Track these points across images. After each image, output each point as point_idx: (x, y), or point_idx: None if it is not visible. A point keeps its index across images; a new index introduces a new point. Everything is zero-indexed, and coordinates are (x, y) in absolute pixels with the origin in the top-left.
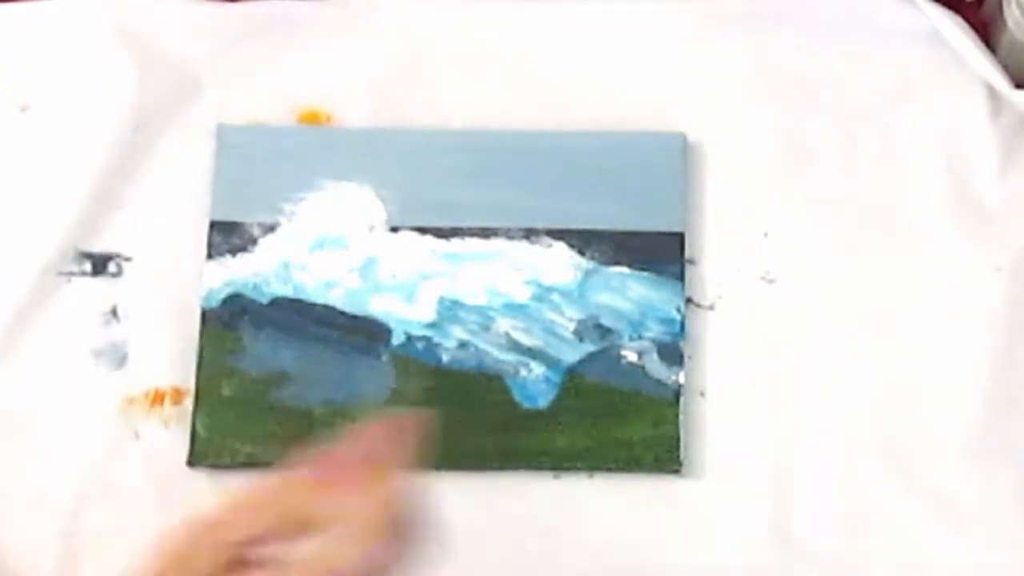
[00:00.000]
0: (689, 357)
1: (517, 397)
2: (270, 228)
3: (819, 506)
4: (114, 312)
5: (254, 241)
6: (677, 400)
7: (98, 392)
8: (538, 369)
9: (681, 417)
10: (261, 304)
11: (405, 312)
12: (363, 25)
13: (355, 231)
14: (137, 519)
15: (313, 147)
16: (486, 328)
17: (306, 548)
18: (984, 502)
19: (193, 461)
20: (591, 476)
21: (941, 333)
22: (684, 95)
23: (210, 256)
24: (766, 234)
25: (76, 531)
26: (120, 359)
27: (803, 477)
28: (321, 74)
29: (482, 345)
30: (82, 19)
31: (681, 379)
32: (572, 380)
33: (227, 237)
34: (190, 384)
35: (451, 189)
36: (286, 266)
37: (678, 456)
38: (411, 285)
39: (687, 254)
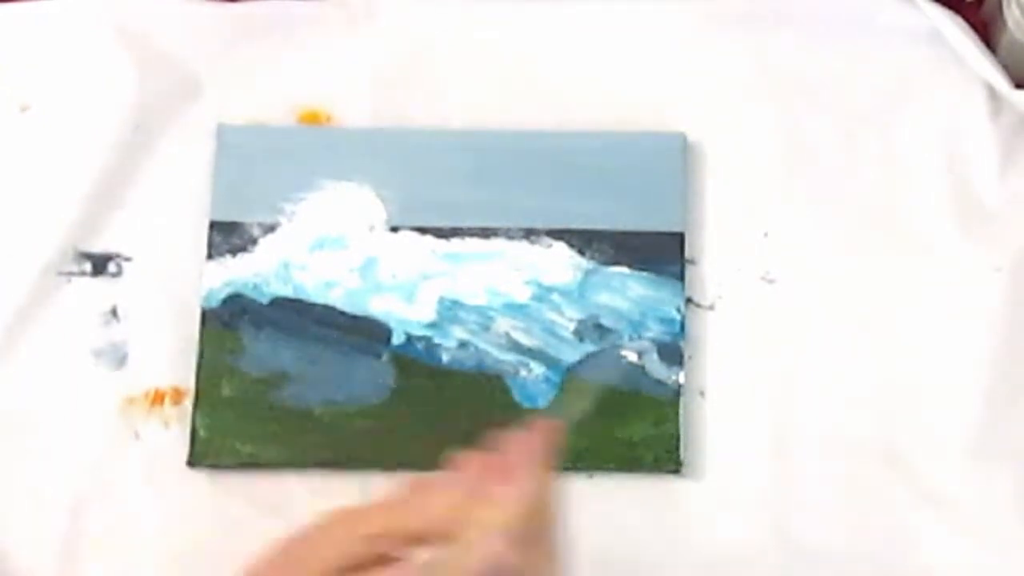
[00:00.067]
0: (689, 357)
1: (517, 397)
2: (270, 228)
3: (819, 506)
4: (114, 312)
5: (254, 241)
6: (677, 400)
7: (98, 392)
8: (538, 369)
9: (681, 417)
10: (261, 304)
11: (405, 312)
12: (363, 25)
13: (355, 231)
14: (137, 519)
15: (313, 147)
16: (486, 328)
17: (442, 551)
18: (984, 502)
19: (193, 461)
20: (591, 476)
21: (941, 333)
22: (684, 95)
23: (210, 256)
24: (766, 234)
25: (76, 531)
26: (120, 359)
27: (803, 477)
28: (321, 74)
29: (482, 345)
30: (82, 19)
31: (681, 379)
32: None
33: (227, 237)
34: (190, 384)
35: (451, 189)
36: (286, 266)
37: (678, 456)
38: (411, 285)
39: (687, 254)
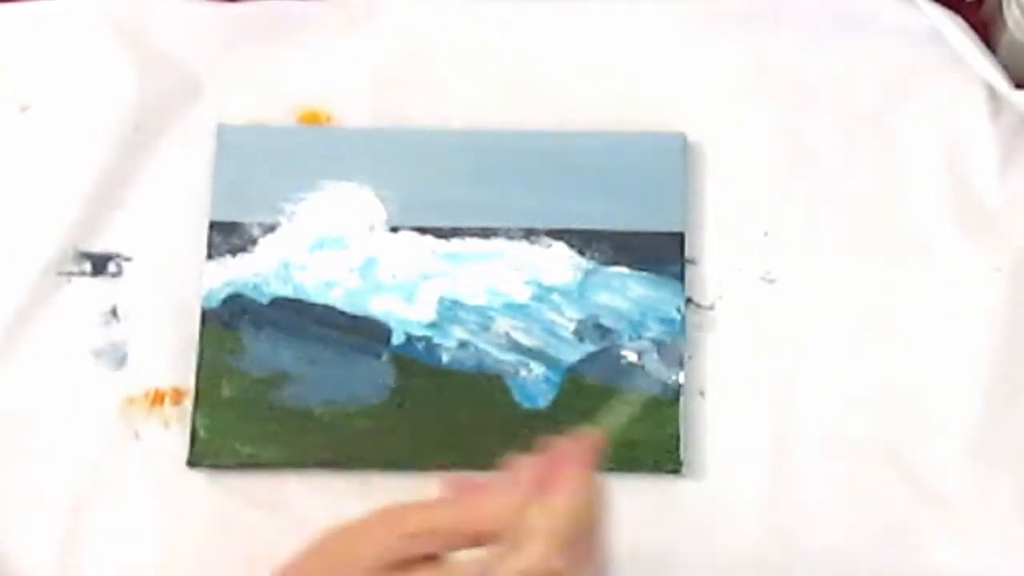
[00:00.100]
0: (689, 357)
1: (517, 397)
2: (270, 228)
3: (819, 506)
4: (114, 312)
5: (254, 241)
6: (677, 400)
7: (98, 392)
8: (538, 369)
9: (681, 417)
10: (261, 304)
11: (405, 312)
12: (363, 25)
13: (355, 231)
14: (137, 519)
15: (313, 147)
16: (486, 328)
17: (490, 553)
18: (984, 502)
19: (193, 461)
20: None
21: (941, 333)
22: (684, 95)
23: (210, 256)
24: (766, 234)
25: (76, 531)
26: (120, 359)
27: (803, 477)
28: (321, 74)
29: (482, 345)
30: (82, 19)
31: (681, 379)
32: (572, 380)
33: (227, 237)
34: (190, 384)
35: (451, 189)
36: (286, 266)
37: (678, 456)
38: (411, 285)
39: (687, 254)
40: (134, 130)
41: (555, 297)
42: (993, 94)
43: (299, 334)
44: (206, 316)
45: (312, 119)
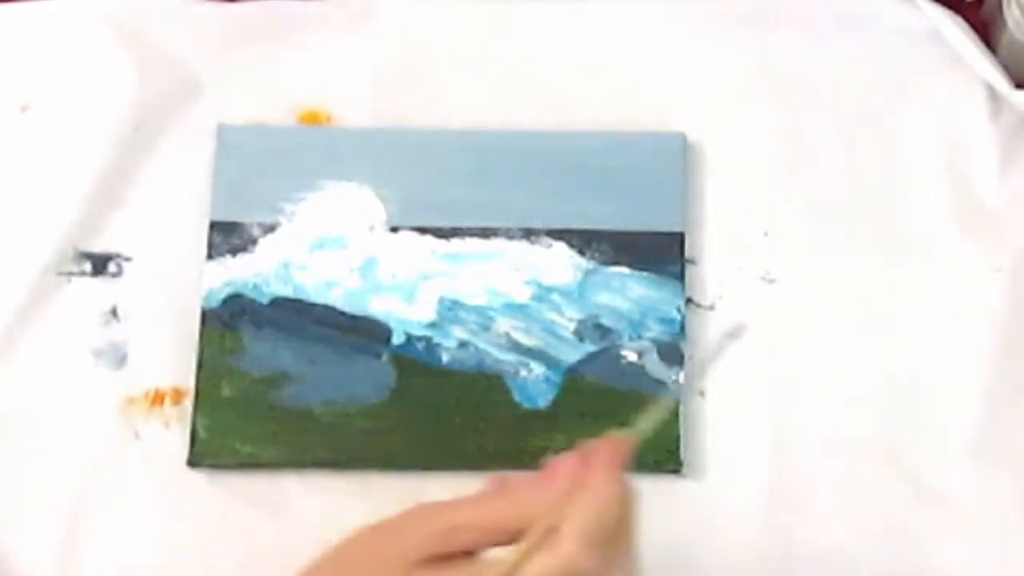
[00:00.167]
0: (689, 357)
1: (517, 397)
2: (270, 228)
3: (819, 506)
4: (114, 312)
5: (254, 241)
6: (677, 400)
7: (98, 392)
8: (538, 369)
9: (681, 417)
10: (261, 304)
11: (405, 312)
12: (363, 25)
13: (355, 231)
14: (137, 519)
15: (313, 147)
16: (486, 328)
17: (521, 551)
18: (984, 502)
19: (193, 461)
20: None
21: (941, 333)
22: (684, 95)
23: (210, 256)
24: (766, 234)
25: (76, 531)
26: (120, 359)
27: (803, 477)
28: (321, 74)
29: (482, 345)
30: (82, 19)
31: (681, 379)
32: (572, 380)
33: (227, 237)
34: (190, 384)
35: (451, 189)
36: (286, 266)
37: (678, 456)
38: (411, 285)
39: (687, 254)
40: (134, 130)
41: (555, 297)
42: (993, 94)
43: (299, 334)
44: (206, 316)
45: (312, 119)
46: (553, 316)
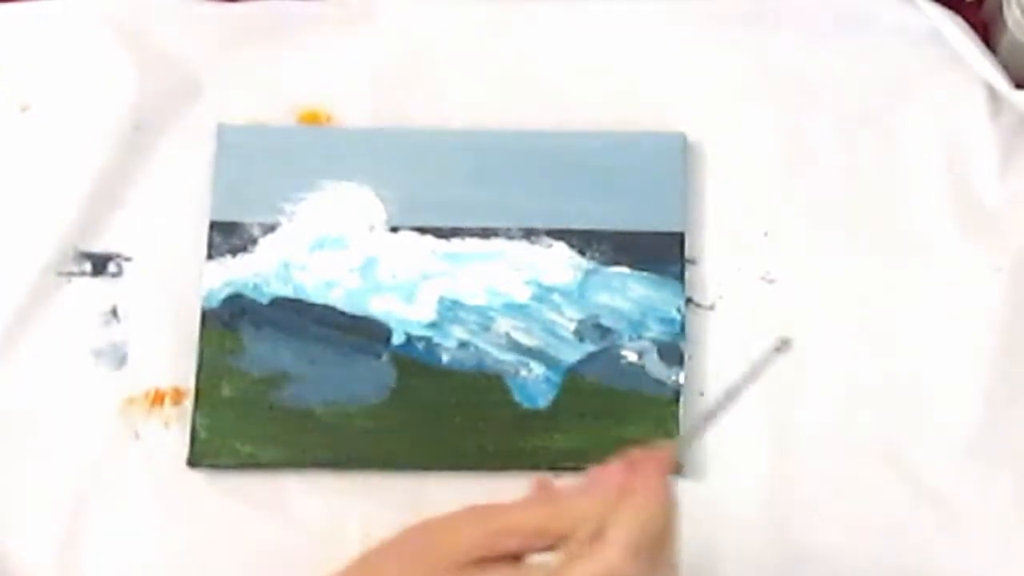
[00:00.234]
0: (689, 357)
1: (517, 397)
2: (270, 228)
3: (819, 506)
4: (114, 312)
5: (254, 241)
6: (677, 400)
7: (98, 392)
8: (538, 369)
9: (681, 417)
10: (261, 304)
11: (405, 312)
12: (363, 25)
13: (355, 231)
14: (137, 519)
15: (313, 147)
16: (486, 328)
17: (567, 556)
18: (984, 502)
19: (193, 461)
20: None
21: (941, 333)
22: (684, 95)
23: (210, 256)
24: (766, 234)
25: (76, 531)
26: (120, 359)
27: (803, 477)
28: (321, 74)
29: (482, 345)
30: (82, 19)
31: (681, 379)
32: (572, 380)
33: (227, 237)
34: (190, 384)
35: (451, 189)
36: (286, 266)
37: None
38: (411, 285)
39: (687, 254)
40: (134, 130)
41: (555, 297)
42: (993, 94)
43: (299, 334)
44: (206, 316)
45: (312, 119)
46: (553, 316)
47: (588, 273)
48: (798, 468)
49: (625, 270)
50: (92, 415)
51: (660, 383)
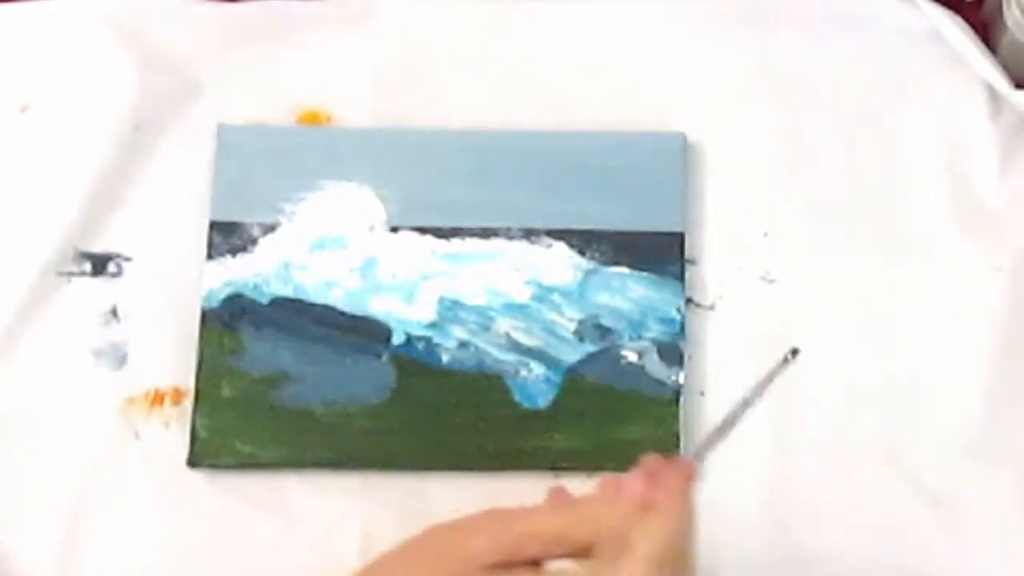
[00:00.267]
0: (689, 357)
1: (517, 397)
2: (270, 228)
3: (819, 506)
4: (114, 312)
5: (254, 241)
6: (677, 400)
7: (98, 392)
8: (538, 369)
9: (681, 417)
10: (261, 304)
11: (405, 312)
12: (363, 25)
13: (355, 231)
14: (137, 519)
15: (313, 147)
16: (486, 328)
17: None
18: (984, 502)
19: (193, 461)
20: (591, 476)
21: (941, 333)
22: (684, 95)
23: (210, 256)
24: (766, 234)
25: (76, 531)
26: (120, 359)
27: (803, 477)
28: (321, 74)
29: (482, 345)
30: (82, 19)
31: (681, 379)
32: (572, 380)
33: (227, 237)
34: (190, 384)
35: (451, 189)
36: (286, 266)
37: (678, 456)
38: (411, 285)
39: (687, 254)
40: (134, 130)
41: (555, 297)
42: (993, 94)
43: (299, 334)
44: (206, 316)
45: (312, 119)
46: (553, 316)
47: (588, 273)
48: (798, 468)
49: (625, 270)
50: (92, 415)
51: (660, 383)
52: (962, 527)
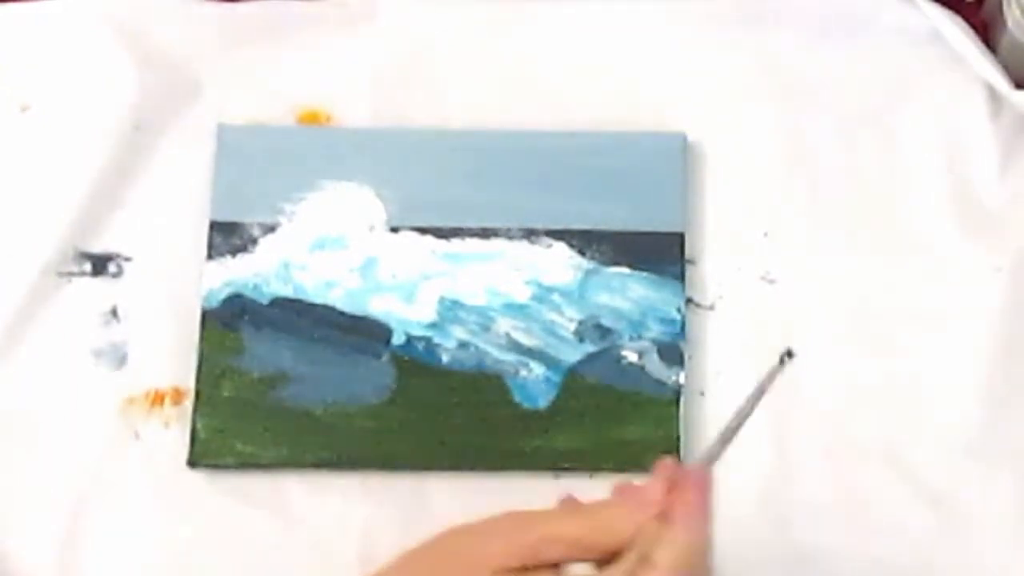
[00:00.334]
0: (689, 357)
1: (517, 397)
2: (270, 228)
3: (819, 506)
4: (114, 312)
5: (254, 241)
6: (677, 400)
7: (98, 392)
8: (538, 369)
9: (681, 417)
10: (261, 304)
11: (405, 312)
12: (363, 25)
13: (355, 231)
14: (137, 519)
15: (313, 147)
16: (486, 328)
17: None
18: (984, 502)
19: (193, 461)
20: (591, 476)
21: (941, 333)
22: (684, 95)
23: (210, 256)
24: (766, 234)
25: (76, 531)
26: (120, 359)
27: (803, 477)
28: (321, 74)
29: (482, 345)
30: (82, 19)
31: (681, 379)
32: (572, 380)
33: (227, 237)
34: (190, 384)
35: (451, 189)
36: (286, 266)
37: (678, 456)
38: (411, 285)
39: (687, 254)
40: (134, 130)
41: (555, 297)
42: (993, 94)
43: (299, 334)
44: (206, 316)
45: (312, 119)
46: (553, 316)
47: (588, 273)
48: (798, 468)
49: (625, 270)
50: (92, 415)
51: (660, 383)
52: (962, 527)
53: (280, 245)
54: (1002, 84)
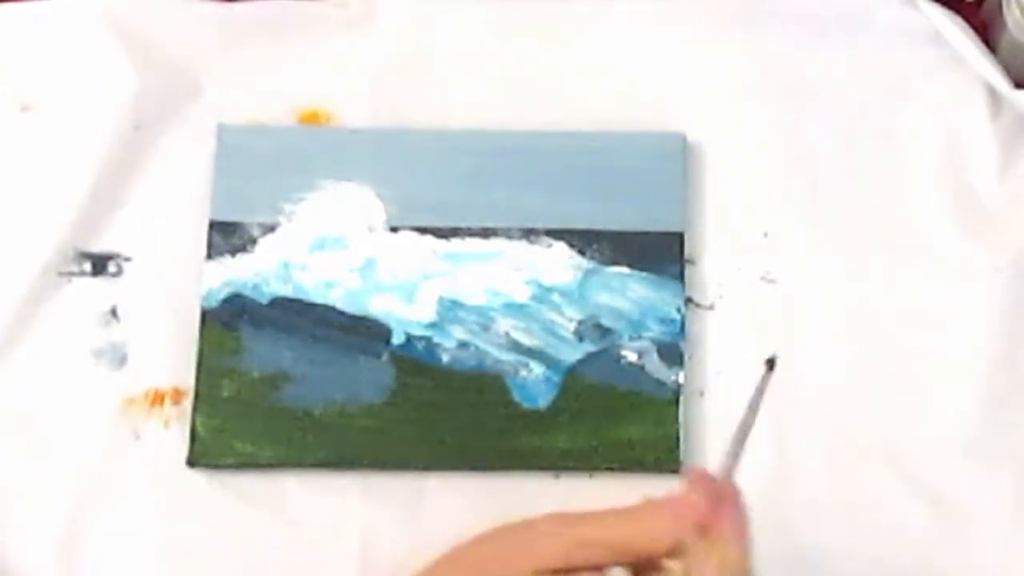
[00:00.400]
0: (689, 357)
1: (517, 397)
2: (270, 228)
3: (819, 506)
4: (114, 312)
5: (254, 241)
6: (677, 400)
7: (98, 392)
8: (538, 369)
9: (681, 417)
10: (261, 304)
11: (405, 312)
12: (363, 25)
13: (355, 231)
14: (137, 519)
15: (313, 147)
16: (486, 328)
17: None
18: (984, 502)
19: (193, 461)
20: (591, 476)
21: (941, 333)
22: (684, 95)
23: (210, 256)
24: (766, 234)
25: (76, 531)
26: (120, 359)
27: (803, 477)
28: (321, 74)
29: (482, 345)
30: (82, 19)
31: (681, 379)
32: (572, 380)
33: (227, 237)
34: (190, 384)
35: (451, 189)
36: (286, 266)
37: (678, 456)
38: (411, 285)
39: (687, 254)
40: (134, 130)
41: (555, 297)
42: (993, 94)
43: (299, 334)
44: (206, 316)
45: (312, 119)
46: (553, 316)
47: (588, 273)
48: (798, 468)
49: (625, 270)
50: (92, 415)
51: (660, 383)
52: (962, 527)
53: (280, 245)
54: (1002, 84)
